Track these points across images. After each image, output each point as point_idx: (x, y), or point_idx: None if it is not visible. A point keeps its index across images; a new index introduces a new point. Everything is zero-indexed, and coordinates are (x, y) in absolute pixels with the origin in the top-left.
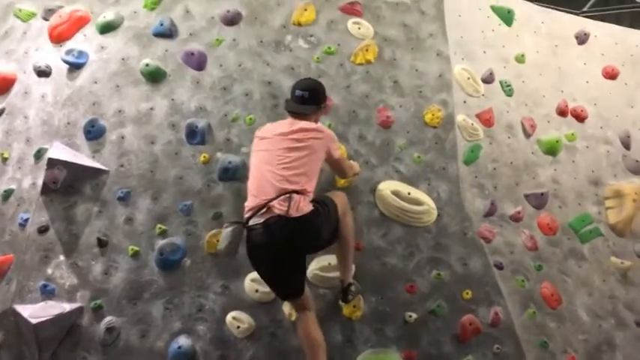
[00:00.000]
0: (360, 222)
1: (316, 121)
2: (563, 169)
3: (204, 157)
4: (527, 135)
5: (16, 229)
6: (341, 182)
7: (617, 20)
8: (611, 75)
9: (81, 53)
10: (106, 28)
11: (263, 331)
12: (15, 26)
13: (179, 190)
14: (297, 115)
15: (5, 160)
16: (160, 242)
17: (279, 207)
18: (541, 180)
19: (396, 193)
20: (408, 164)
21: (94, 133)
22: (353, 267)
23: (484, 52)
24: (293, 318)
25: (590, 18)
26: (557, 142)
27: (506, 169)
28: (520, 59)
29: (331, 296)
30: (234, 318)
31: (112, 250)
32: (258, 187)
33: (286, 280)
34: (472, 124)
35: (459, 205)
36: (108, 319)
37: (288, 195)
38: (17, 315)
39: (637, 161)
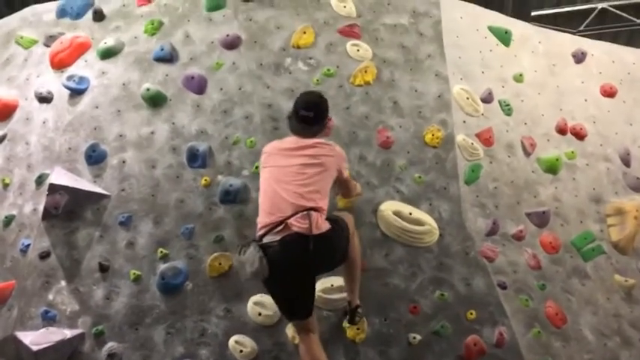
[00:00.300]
0: (362, 243)
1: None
2: (564, 187)
3: (205, 180)
4: (527, 154)
5: (18, 255)
6: (342, 203)
7: (614, 38)
8: (609, 93)
9: (82, 79)
10: (107, 54)
11: (266, 355)
12: (16, 53)
13: (180, 213)
14: (303, 135)
15: (6, 186)
16: (162, 266)
17: (297, 224)
18: (542, 198)
19: (397, 214)
20: (408, 184)
21: (95, 157)
22: None
23: (482, 72)
24: (296, 341)
25: (587, 37)
26: (557, 160)
27: (507, 188)
28: (518, 79)
29: (335, 318)
30: (236, 342)
31: (114, 275)
32: (273, 204)
33: (298, 300)
34: (472, 143)
35: (460, 225)
36: (109, 345)
37: (306, 212)
38: (18, 342)
39: (637, 178)
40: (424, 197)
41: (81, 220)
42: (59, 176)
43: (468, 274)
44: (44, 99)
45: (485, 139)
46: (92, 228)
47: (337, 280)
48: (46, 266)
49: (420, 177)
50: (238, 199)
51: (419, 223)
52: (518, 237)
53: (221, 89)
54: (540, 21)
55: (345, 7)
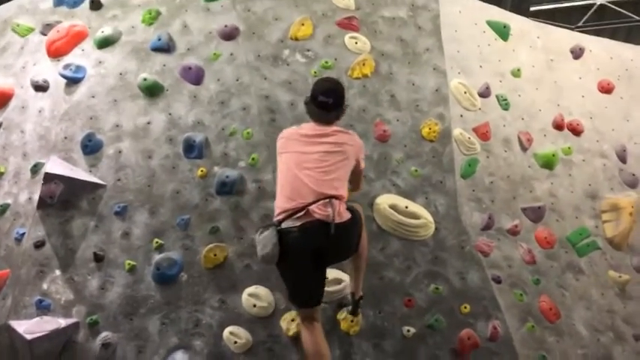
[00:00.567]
0: None
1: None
2: (560, 182)
3: (201, 171)
4: (524, 149)
5: (12, 243)
6: None
7: (613, 35)
8: (606, 89)
9: (79, 68)
10: (104, 43)
11: (260, 347)
12: (13, 41)
13: (176, 204)
14: (323, 121)
15: (1, 174)
16: (157, 257)
17: (319, 211)
18: (538, 193)
19: (393, 207)
20: (405, 178)
21: (91, 147)
22: None
23: (480, 66)
24: (290, 333)
25: (586, 32)
26: (553, 155)
27: (503, 183)
28: (516, 73)
29: (330, 311)
30: (231, 333)
31: (109, 265)
32: (293, 189)
33: (313, 286)
34: (469, 137)
35: (456, 219)
36: (104, 334)
37: (328, 200)
38: (12, 331)
39: (633, 175)
40: (420, 191)
41: (76, 210)
42: (55, 165)
43: (462, 268)
44: (40, 87)
45: (482, 133)
46: (87, 217)
47: (332, 273)
48: (41, 255)
49: (416, 170)
50: (234, 190)
51: (415, 216)
52: (514, 232)
53: (218, 80)
54: (539, 16)
55: None
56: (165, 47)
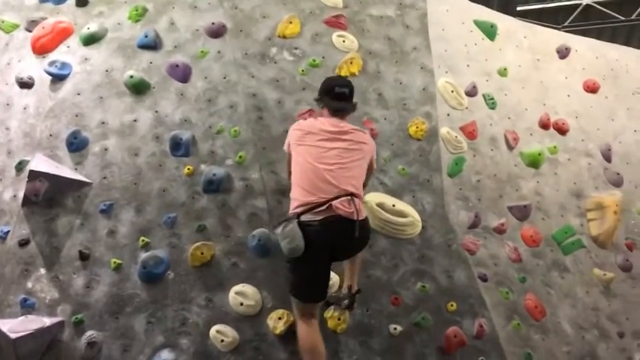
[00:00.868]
0: None
1: None
2: (546, 181)
3: (188, 169)
4: (510, 147)
5: None
6: None
7: (598, 35)
8: (592, 89)
9: (64, 65)
10: (90, 40)
11: (247, 345)
12: None
13: (163, 202)
14: (339, 113)
15: None
16: (143, 255)
17: (343, 208)
18: (524, 192)
19: (380, 205)
20: (392, 176)
21: (76, 144)
22: None
23: (467, 65)
24: (278, 331)
25: (572, 32)
26: (539, 154)
27: (490, 182)
28: (503, 73)
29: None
30: (218, 332)
31: (94, 264)
32: (313, 184)
33: (323, 280)
34: (456, 136)
35: (443, 217)
36: (89, 333)
37: (350, 197)
38: None
39: (618, 174)
40: (407, 189)
41: (61, 208)
42: (40, 163)
43: (449, 267)
44: (25, 84)
45: (469, 132)
46: (73, 215)
47: None
48: (26, 254)
49: (403, 169)
50: (221, 188)
51: (402, 214)
52: (500, 230)
53: (205, 78)
54: (526, 16)
55: None
56: (152, 44)
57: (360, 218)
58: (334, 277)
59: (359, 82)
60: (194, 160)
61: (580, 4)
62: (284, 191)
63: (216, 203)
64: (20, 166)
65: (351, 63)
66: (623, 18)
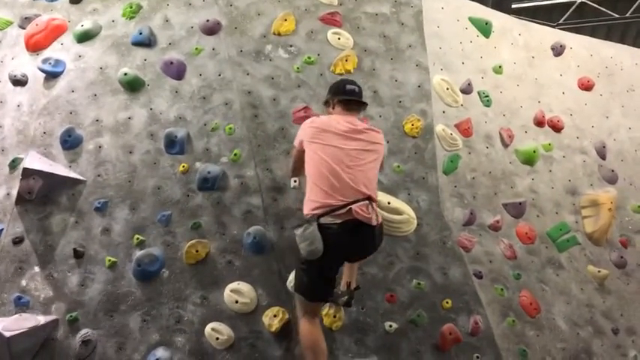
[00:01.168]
0: None
1: None
2: (541, 178)
3: (183, 166)
4: (505, 145)
5: None
6: None
7: (593, 32)
8: (586, 86)
9: (58, 62)
10: (84, 37)
11: (242, 343)
12: None
13: (157, 200)
14: (352, 109)
15: None
16: (138, 253)
17: (362, 213)
18: (519, 189)
19: None
20: (387, 174)
21: (70, 142)
22: None
23: (462, 62)
24: (273, 329)
25: (566, 30)
26: (534, 152)
27: (485, 179)
28: (498, 70)
29: None
30: (213, 329)
31: (89, 261)
32: (332, 186)
33: (331, 281)
34: (451, 134)
35: (438, 215)
36: (84, 331)
37: (368, 202)
38: None
39: (612, 171)
40: (403, 187)
41: (55, 206)
42: (33, 160)
43: (444, 264)
44: (19, 82)
45: (464, 129)
46: (67, 213)
47: None
48: (20, 252)
49: (399, 166)
50: (216, 186)
51: (397, 212)
52: (495, 227)
53: (200, 75)
54: (520, 13)
55: None
56: (146, 41)
57: (378, 223)
58: None
59: (354, 80)
60: (189, 157)
61: (575, 2)
62: (279, 189)
63: (211, 201)
64: (14, 164)
65: (346, 60)
66: (617, 15)
